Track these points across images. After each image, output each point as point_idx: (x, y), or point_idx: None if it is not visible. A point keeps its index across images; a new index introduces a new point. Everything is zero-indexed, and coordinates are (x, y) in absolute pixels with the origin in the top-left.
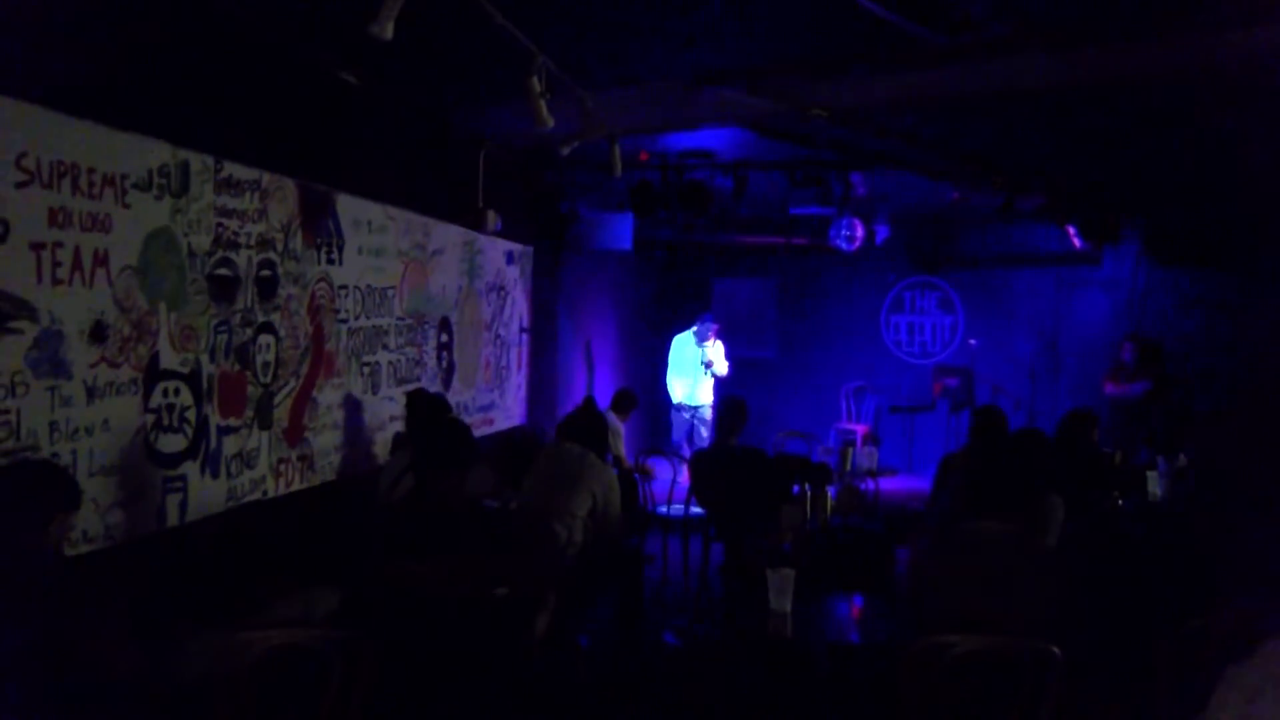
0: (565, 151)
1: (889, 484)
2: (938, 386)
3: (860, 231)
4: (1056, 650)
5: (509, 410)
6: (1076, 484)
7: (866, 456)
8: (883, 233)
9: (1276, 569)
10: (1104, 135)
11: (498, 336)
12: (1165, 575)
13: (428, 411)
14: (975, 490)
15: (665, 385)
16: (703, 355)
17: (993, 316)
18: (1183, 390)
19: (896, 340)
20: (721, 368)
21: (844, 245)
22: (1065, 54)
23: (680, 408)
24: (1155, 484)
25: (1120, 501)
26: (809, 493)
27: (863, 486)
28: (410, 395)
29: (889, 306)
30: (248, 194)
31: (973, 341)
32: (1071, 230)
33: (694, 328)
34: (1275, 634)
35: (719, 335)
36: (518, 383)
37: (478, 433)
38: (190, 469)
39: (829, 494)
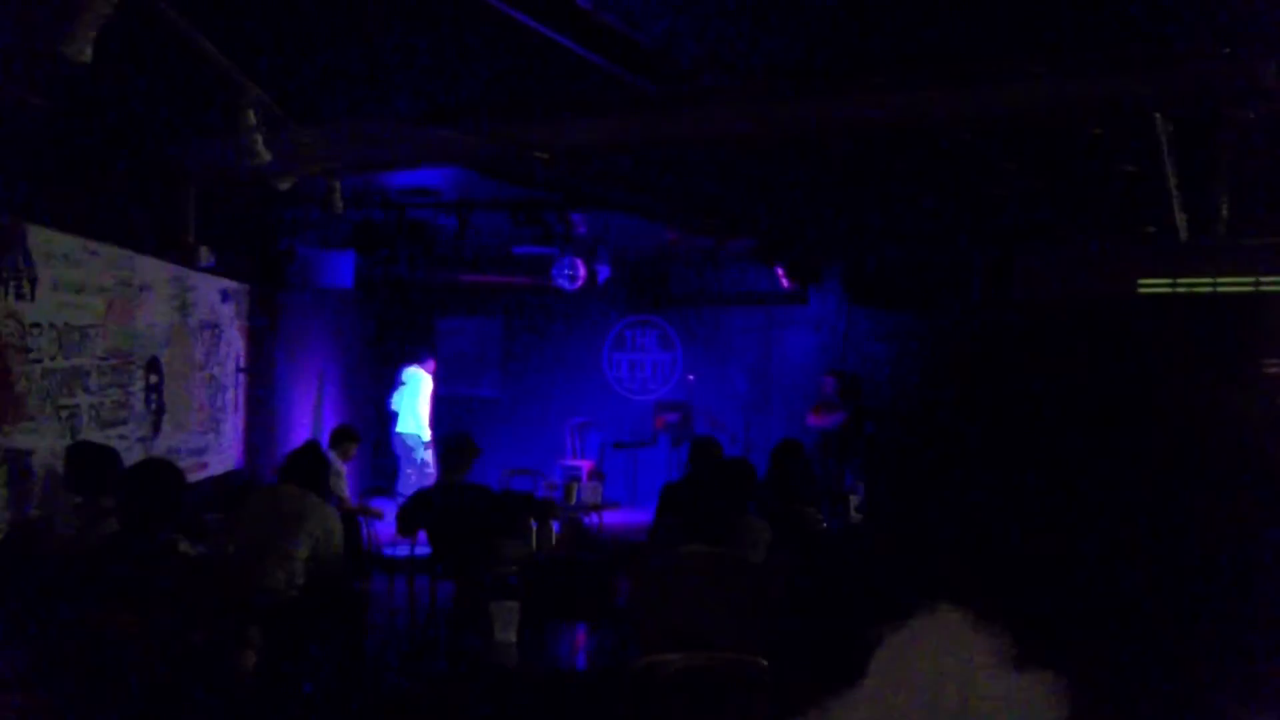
0: (283, 187)
1: (613, 517)
2: (659, 421)
3: (582, 271)
4: (763, 662)
5: (225, 453)
6: (785, 508)
7: (590, 491)
8: (604, 272)
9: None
10: (805, 182)
11: (212, 377)
12: (850, 591)
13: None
14: (688, 516)
15: (393, 423)
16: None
17: (710, 353)
18: (876, 421)
19: (618, 377)
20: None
21: (566, 284)
22: (768, 106)
23: (405, 438)
24: (855, 507)
25: (824, 524)
26: (534, 528)
27: (586, 520)
28: (72, 450)
29: (611, 344)
30: None
31: (691, 377)
32: (779, 271)
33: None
34: (933, 611)
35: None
36: (234, 424)
37: (191, 477)
38: None
39: (553, 528)
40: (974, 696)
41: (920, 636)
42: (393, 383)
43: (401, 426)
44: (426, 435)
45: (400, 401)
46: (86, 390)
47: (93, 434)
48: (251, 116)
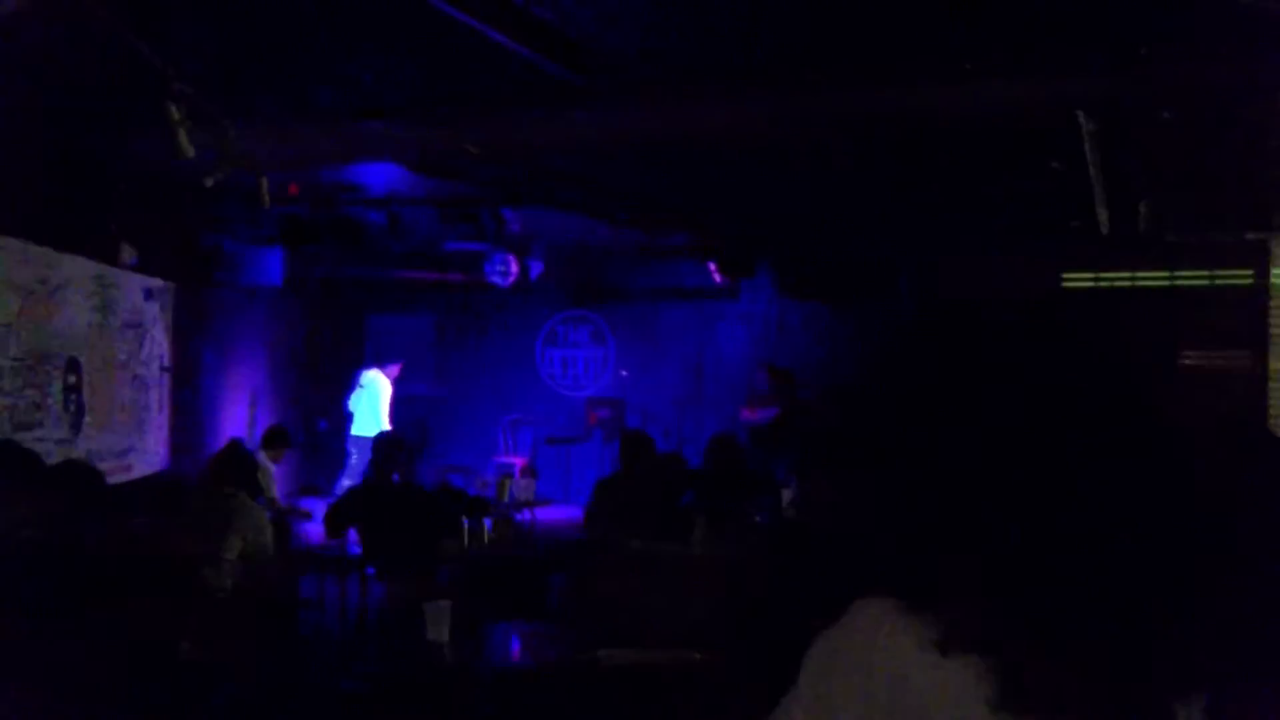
0: (209, 183)
1: (546, 514)
2: (592, 417)
3: (514, 267)
4: (698, 656)
5: (150, 454)
6: (719, 502)
7: (523, 488)
8: (537, 268)
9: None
10: (735, 177)
11: (135, 376)
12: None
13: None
14: (622, 512)
15: (321, 424)
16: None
17: (642, 348)
18: (810, 415)
19: (551, 373)
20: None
21: (499, 280)
22: (697, 101)
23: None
24: (787, 501)
25: (757, 517)
26: (466, 526)
27: (520, 517)
28: None
29: (543, 340)
30: None
31: (624, 373)
32: (712, 266)
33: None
34: (863, 600)
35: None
36: (159, 425)
37: (115, 479)
38: None
39: (485, 526)
40: (903, 683)
41: (851, 625)
42: (343, 383)
43: (358, 429)
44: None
45: (358, 403)
46: None
47: (8, 437)
48: (175, 111)
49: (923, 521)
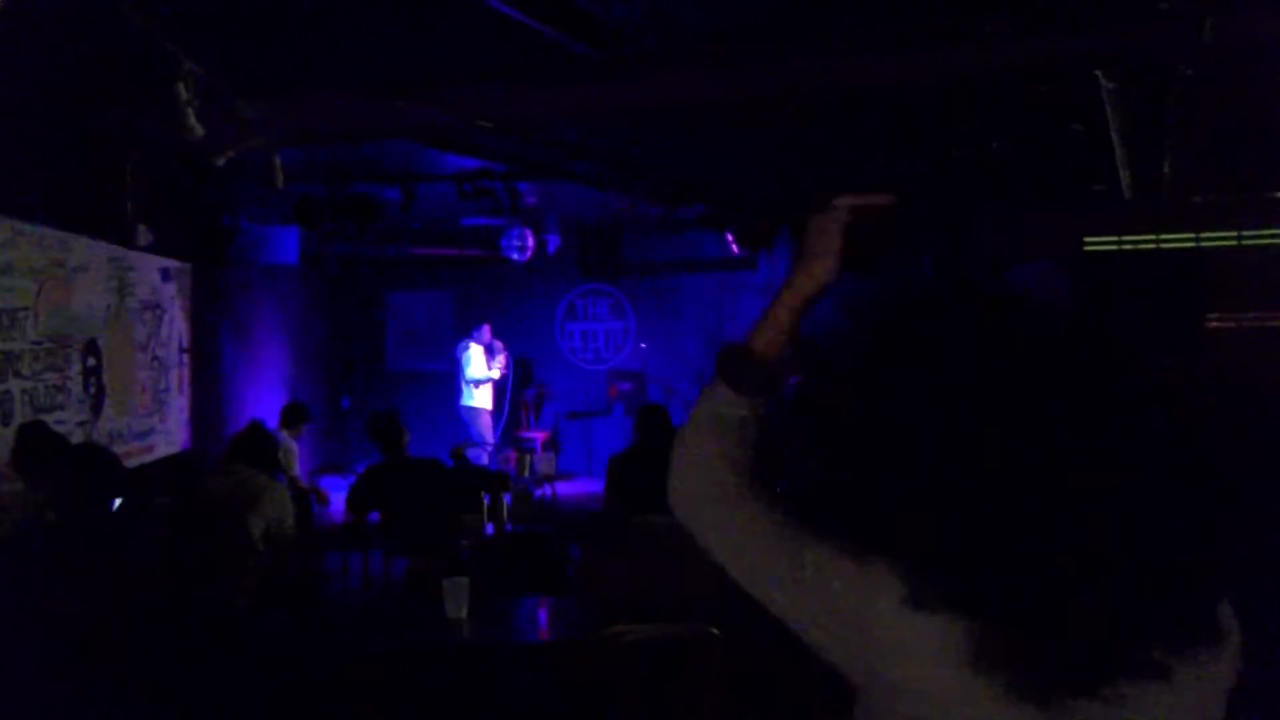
0: (219, 162)
1: (567, 488)
2: (612, 391)
3: (531, 241)
4: (715, 632)
5: (171, 436)
6: None
7: (544, 462)
8: (554, 242)
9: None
10: (754, 146)
11: (155, 358)
12: None
13: (45, 444)
14: (640, 486)
15: (343, 402)
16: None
17: (662, 321)
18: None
19: (571, 347)
20: (478, 372)
21: (516, 255)
22: (712, 70)
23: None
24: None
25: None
26: (486, 501)
27: (540, 492)
28: (24, 429)
29: (563, 314)
30: None
31: (644, 345)
32: (729, 237)
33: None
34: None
35: (486, 341)
36: (180, 406)
37: (136, 461)
38: None
39: (505, 501)
40: (874, 634)
41: (830, 575)
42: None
43: (465, 399)
44: (483, 405)
45: (464, 377)
46: (19, 375)
47: (28, 419)
48: (184, 90)
49: (907, 482)
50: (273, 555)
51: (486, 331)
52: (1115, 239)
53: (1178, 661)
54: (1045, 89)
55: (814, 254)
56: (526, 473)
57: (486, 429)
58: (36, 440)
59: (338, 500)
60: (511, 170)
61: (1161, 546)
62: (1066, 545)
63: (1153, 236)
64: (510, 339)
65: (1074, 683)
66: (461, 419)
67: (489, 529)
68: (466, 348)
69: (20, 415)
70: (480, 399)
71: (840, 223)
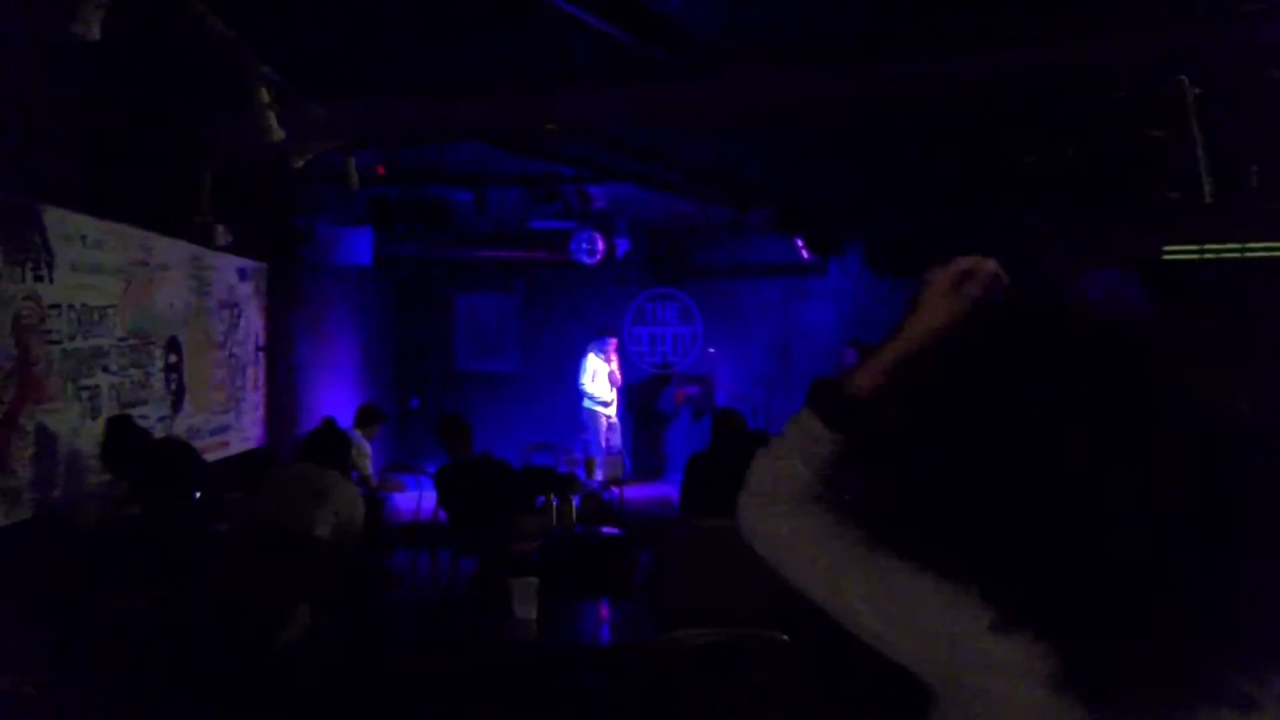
0: (297, 164)
1: (634, 491)
2: (680, 395)
3: (600, 245)
4: (784, 637)
5: (246, 432)
6: None
7: (611, 465)
8: (623, 245)
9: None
10: (824, 151)
11: (231, 356)
12: None
13: (131, 438)
14: (712, 489)
15: (414, 402)
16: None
17: (730, 326)
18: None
19: (639, 351)
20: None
21: (585, 258)
22: (784, 73)
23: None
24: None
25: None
26: (554, 503)
27: (608, 495)
28: (112, 422)
29: (631, 318)
30: None
31: (711, 350)
32: (799, 242)
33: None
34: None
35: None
36: (255, 403)
37: (212, 456)
38: None
39: (573, 503)
40: (959, 656)
41: (916, 595)
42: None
43: (587, 404)
44: (604, 410)
45: (587, 382)
46: (106, 371)
47: (114, 414)
48: (264, 94)
49: (997, 512)
50: (341, 551)
51: (611, 344)
52: (1197, 247)
53: (1260, 693)
54: (1125, 93)
55: (929, 306)
56: (594, 475)
57: (603, 434)
58: (123, 434)
59: (406, 500)
60: (582, 174)
61: (1255, 575)
62: (1157, 572)
63: (1237, 245)
64: (578, 342)
65: (1155, 706)
66: (582, 422)
67: (557, 530)
68: (585, 356)
69: (107, 410)
70: (600, 401)
71: (957, 278)
